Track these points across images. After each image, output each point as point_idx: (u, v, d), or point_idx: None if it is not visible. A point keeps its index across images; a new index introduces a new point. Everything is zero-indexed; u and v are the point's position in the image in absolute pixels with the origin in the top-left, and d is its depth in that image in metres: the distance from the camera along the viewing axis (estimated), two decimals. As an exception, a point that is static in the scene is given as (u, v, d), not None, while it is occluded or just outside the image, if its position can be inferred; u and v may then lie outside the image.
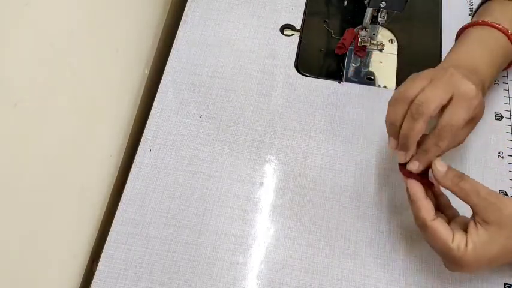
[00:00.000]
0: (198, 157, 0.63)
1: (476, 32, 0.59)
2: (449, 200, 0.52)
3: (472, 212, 0.48)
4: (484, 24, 0.59)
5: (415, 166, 0.50)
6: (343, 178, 0.61)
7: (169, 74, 0.69)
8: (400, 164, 0.52)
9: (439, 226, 0.47)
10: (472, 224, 0.47)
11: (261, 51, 0.70)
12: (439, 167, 0.49)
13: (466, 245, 0.46)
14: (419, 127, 0.48)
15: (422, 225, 0.49)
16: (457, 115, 0.48)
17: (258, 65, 0.69)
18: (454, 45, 0.60)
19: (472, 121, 0.51)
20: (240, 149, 0.63)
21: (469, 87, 0.49)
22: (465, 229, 0.48)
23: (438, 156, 0.50)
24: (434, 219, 0.48)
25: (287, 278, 0.56)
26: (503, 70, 0.63)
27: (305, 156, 0.62)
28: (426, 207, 0.48)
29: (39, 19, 0.43)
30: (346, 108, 0.66)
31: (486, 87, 0.55)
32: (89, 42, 0.53)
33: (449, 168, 0.49)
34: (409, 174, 0.51)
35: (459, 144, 0.52)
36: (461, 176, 0.48)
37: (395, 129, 0.51)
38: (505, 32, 0.57)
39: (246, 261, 0.56)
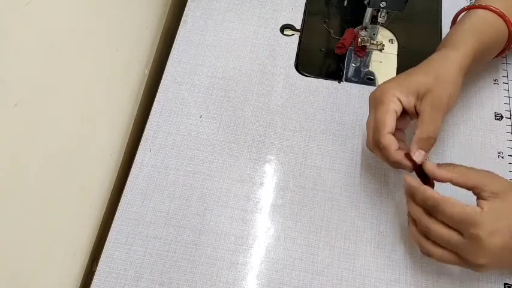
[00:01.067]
0: (198, 157, 0.63)
1: (466, 15, 0.60)
2: None
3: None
4: (474, 7, 0.59)
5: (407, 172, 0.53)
6: (343, 178, 0.61)
7: (169, 74, 0.69)
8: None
9: (451, 198, 0.48)
10: (481, 201, 0.48)
11: (261, 51, 0.70)
12: (429, 166, 0.51)
13: (482, 207, 0.47)
14: (379, 156, 0.54)
15: (434, 204, 0.48)
16: (374, 118, 0.54)
17: (258, 65, 0.69)
18: None
19: (421, 94, 0.53)
20: (240, 149, 0.63)
21: (376, 90, 0.55)
22: None
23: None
24: (444, 196, 0.48)
25: (287, 278, 0.56)
26: (500, 55, 0.62)
27: (305, 156, 0.62)
28: (430, 188, 0.50)
29: (39, 19, 0.43)
30: (346, 108, 0.66)
31: (462, 49, 0.55)
32: (89, 42, 0.53)
33: (438, 164, 0.51)
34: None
35: (447, 106, 0.53)
36: (452, 164, 0.50)
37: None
38: (495, 12, 0.57)
39: (246, 261, 0.56)
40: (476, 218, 0.46)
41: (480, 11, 0.58)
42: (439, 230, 0.48)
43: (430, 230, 0.49)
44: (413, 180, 0.51)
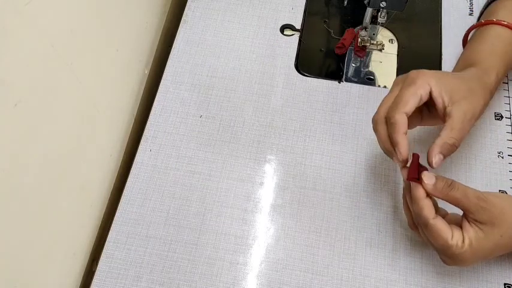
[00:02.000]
0: (198, 157, 0.63)
1: (479, 33, 0.61)
2: (436, 202, 0.52)
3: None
4: (486, 23, 0.60)
5: (397, 154, 0.50)
6: (343, 178, 0.61)
7: (169, 74, 0.69)
8: (406, 171, 0.51)
9: (440, 224, 0.48)
10: (466, 222, 0.49)
11: (261, 51, 0.70)
12: (427, 180, 0.49)
13: (463, 241, 0.48)
14: (379, 133, 0.52)
15: (424, 224, 0.49)
16: (398, 93, 0.51)
17: (258, 65, 0.69)
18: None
19: (455, 97, 0.51)
20: (240, 149, 0.63)
21: (413, 71, 0.52)
22: (459, 225, 0.49)
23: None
24: (435, 218, 0.48)
25: (287, 278, 0.56)
26: None
27: (305, 156, 0.62)
28: (428, 206, 0.49)
29: (39, 19, 0.43)
30: (346, 108, 0.66)
31: (490, 72, 0.56)
32: (89, 42, 0.53)
33: (437, 178, 0.49)
34: (411, 178, 0.50)
35: (469, 123, 0.51)
36: (451, 185, 0.49)
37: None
38: (510, 28, 0.58)
39: (246, 261, 0.56)
40: (456, 252, 0.48)
41: (497, 29, 0.59)
42: (424, 236, 0.51)
43: (420, 231, 0.51)
44: (420, 190, 0.49)
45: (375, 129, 0.53)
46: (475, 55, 0.59)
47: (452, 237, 0.48)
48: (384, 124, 0.52)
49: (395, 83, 0.54)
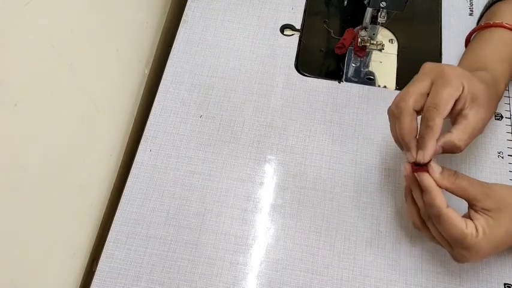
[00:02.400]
0: (198, 157, 0.63)
1: (483, 35, 0.60)
2: None
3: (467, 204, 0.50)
4: (490, 26, 0.60)
5: (420, 156, 0.49)
6: (343, 178, 0.61)
7: (169, 74, 0.69)
8: (411, 165, 0.51)
9: (453, 213, 0.48)
10: (474, 212, 0.49)
11: (261, 51, 0.70)
12: (435, 168, 0.49)
13: (477, 230, 0.48)
14: (403, 123, 0.49)
15: (436, 215, 0.48)
16: (438, 93, 0.49)
17: (258, 65, 0.69)
18: (463, 54, 0.62)
19: (476, 101, 0.50)
20: (240, 149, 0.63)
21: (447, 67, 0.50)
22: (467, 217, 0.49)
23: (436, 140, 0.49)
24: (448, 207, 0.48)
25: (287, 278, 0.56)
26: None
27: (305, 156, 0.62)
28: (441, 196, 0.49)
29: (39, 19, 0.43)
30: (346, 108, 0.66)
31: (501, 81, 0.56)
32: (89, 42, 0.53)
33: (443, 168, 0.50)
34: (419, 170, 0.50)
35: (479, 131, 0.51)
36: (455, 174, 0.50)
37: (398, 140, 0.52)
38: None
39: (246, 261, 0.56)
40: (471, 242, 0.47)
41: (502, 32, 0.59)
42: (435, 232, 0.50)
43: (428, 225, 0.51)
44: (430, 180, 0.49)
45: (398, 118, 0.50)
46: (483, 60, 0.58)
47: (467, 226, 0.47)
48: (411, 115, 0.50)
49: (423, 72, 0.52)
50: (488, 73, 0.55)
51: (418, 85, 0.50)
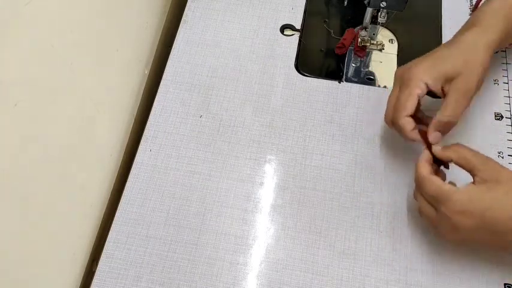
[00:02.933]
0: (198, 157, 0.63)
1: (488, 2, 0.59)
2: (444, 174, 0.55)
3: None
4: None
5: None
6: (343, 178, 0.61)
7: (169, 74, 0.69)
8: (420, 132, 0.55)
9: (434, 178, 0.50)
10: (470, 183, 0.50)
11: (261, 51, 0.70)
12: (435, 149, 0.53)
13: (460, 189, 0.49)
14: (398, 131, 0.55)
15: (419, 181, 0.52)
16: (399, 97, 0.55)
17: (258, 65, 0.69)
18: None
19: (453, 80, 0.54)
20: (240, 149, 0.63)
21: (407, 70, 0.55)
22: None
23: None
24: (430, 175, 0.51)
25: (287, 278, 0.56)
26: None
27: (305, 156, 0.62)
28: (428, 156, 0.52)
29: (39, 19, 0.43)
30: (346, 108, 0.66)
31: (495, 34, 0.56)
32: (89, 42, 0.53)
33: (444, 146, 0.53)
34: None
35: (464, 99, 0.54)
36: (458, 144, 0.52)
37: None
38: None
39: (246, 261, 0.56)
40: (449, 196, 0.49)
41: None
42: (422, 204, 0.52)
43: (418, 203, 0.53)
44: (424, 164, 0.52)
45: (392, 128, 0.57)
46: (477, 16, 0.58)
47: (446, 185, 0.50)
48: (392, 125, 0.56)
49: (394, 80, 0.57)
50: (475, 26, 0.56)
51: (391, 95, 0.57)
